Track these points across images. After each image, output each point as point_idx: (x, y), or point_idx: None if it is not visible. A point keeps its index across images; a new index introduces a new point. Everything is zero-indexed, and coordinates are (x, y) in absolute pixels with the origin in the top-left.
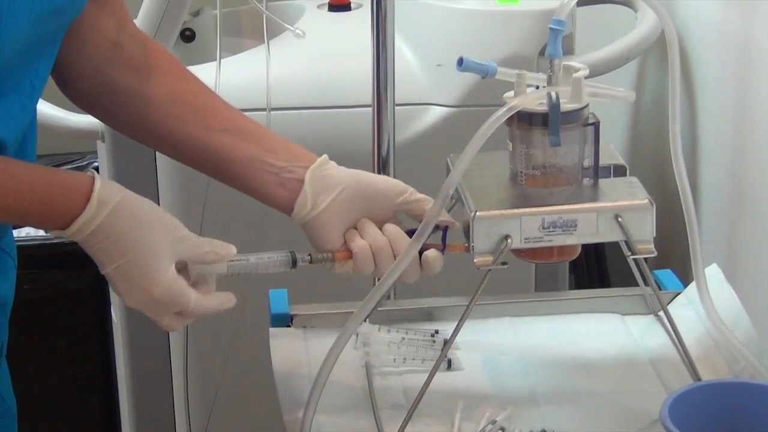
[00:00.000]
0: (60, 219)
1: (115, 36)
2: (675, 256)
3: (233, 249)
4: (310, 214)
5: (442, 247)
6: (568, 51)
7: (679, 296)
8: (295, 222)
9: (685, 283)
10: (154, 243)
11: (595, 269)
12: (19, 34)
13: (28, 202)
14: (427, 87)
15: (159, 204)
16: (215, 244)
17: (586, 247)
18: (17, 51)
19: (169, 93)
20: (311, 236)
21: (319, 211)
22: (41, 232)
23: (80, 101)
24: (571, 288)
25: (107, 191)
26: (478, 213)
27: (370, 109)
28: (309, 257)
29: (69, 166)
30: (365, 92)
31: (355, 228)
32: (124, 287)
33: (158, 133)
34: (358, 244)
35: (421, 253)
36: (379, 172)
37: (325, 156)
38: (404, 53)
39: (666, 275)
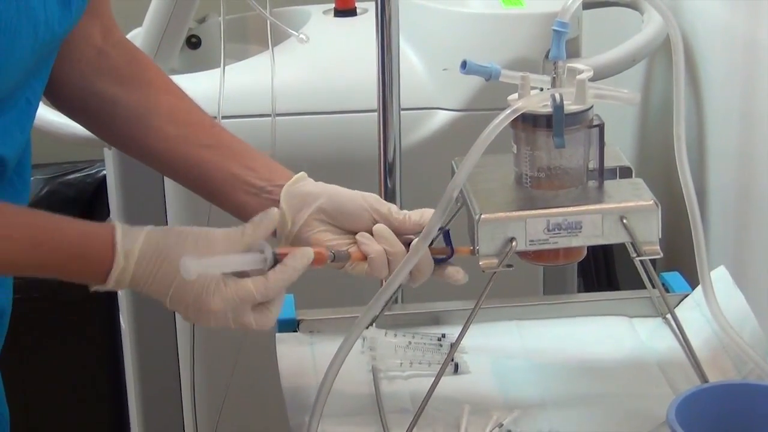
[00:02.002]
0: (96, 275)
1: (101, 44)
2: (684, 258)
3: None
4: (292, 231)
5: (450, 251)
6: (574, 54)
7: (687, 298)
8: (281, 243)
9: (694, 285)
10: (178, 288)
11: (604, 272)
12: (22, 64)
13: (67, 258)
14: (432, 91)
15: (166, 210)
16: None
17: (594, 250)
18: (17, 77)
19: (153, 106)
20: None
21: (300, 227)
22: None
23: (65, 108)
24: (579, 291)
25: (129, 240)
26: (482, 216)
27: (376, 114)
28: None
29: (77, 174)
30: (371, 97)
31: (369, 232)
32: (187, 314)
33: (141, 145)
34: (375, 248)
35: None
36: (385, 178)
37: (302, 173)
38: (410, 57)
39: (674, 277)
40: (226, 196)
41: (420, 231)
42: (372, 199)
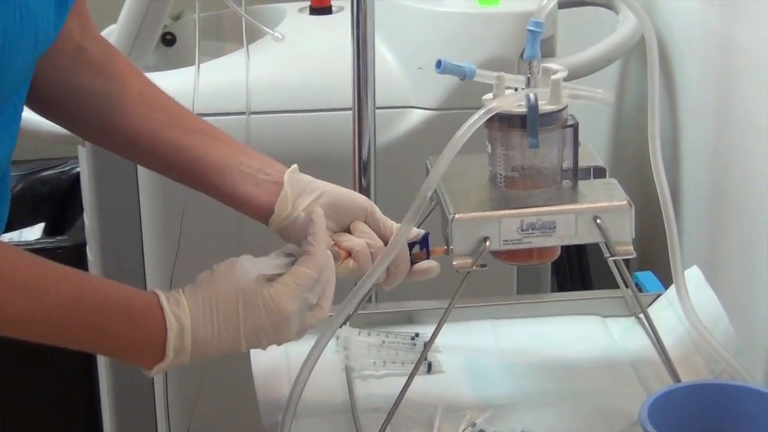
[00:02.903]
0: (144, 335)
1: (79, 38)
2: (658, 258)
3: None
4: (291, 215)
5: (426, 254)
6: (549, 53)
7: (660, 298)
8: (273, 226)
9: (668, 284)
10: (246, 314)
11: (577, 271)
12: (22, 72)
13: (111, 315)
14: (407, 90)
15: (139, 208)
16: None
17: (568, 250)
18: (14, 85)
19: (137, 94)
20: (293, 240)
21: (299, 212)
22: (25, 238)
23: (38, 105)
24: (553, 290)
25: (172, 298)
26: (456, 215)
27: (351, 112)
28: None
29: (51, 171)
30: (346, 95)
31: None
32: (265, 331)
33: (126, 134)
34: (358, 242)
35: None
36: (360, 176)
37: (295, 165)
38: (385, 56)
39: (647, 277)
40: (220, 180)
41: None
42: (370, 203)
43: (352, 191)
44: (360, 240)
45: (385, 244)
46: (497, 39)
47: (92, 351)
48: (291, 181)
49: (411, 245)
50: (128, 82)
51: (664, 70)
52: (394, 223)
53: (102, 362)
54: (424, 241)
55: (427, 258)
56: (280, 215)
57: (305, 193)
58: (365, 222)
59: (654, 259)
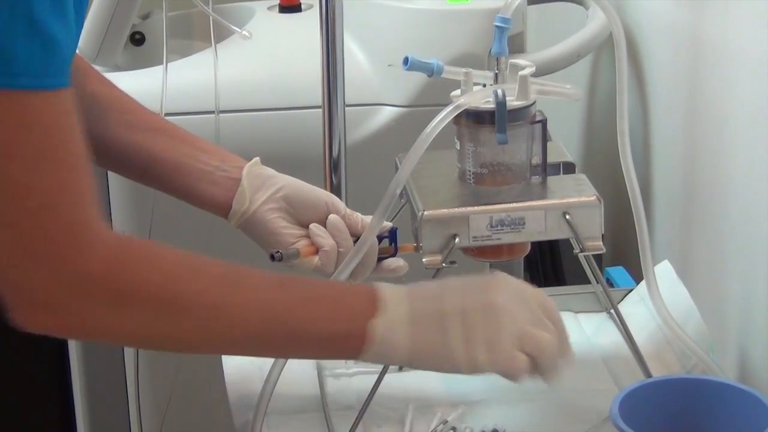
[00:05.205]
0: (355, 319)
1: None
2: (630, 253)
3: None
4: (249, 209)
5: (394, 250)
6: (519, 49)
7: (631, 293)
8: (232, 222)
9: (639, 280)
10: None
11: (550, 267)
12: None
13: (317, 299)
14: (377, 87)
15: (110, 206)
16: None
17: (540, 245)
18: None
19: (91, 94)
20: (254, 234)
21: (257, 206)
22: None
23: None
24: None
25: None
26: (425, 212)
27: (321, 110)
28: (280, 254)
29: None
30: (315, 93)
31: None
32: (484, 335)
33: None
34: (329, 242)
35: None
36: (330, 174)
37: (257, 158)
38: (355, 53)
39: (618, 272)
40: (179, 177)
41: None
42: (332, 197)
43: (313, 186)
44: (331, 241)
45: (353, 236)
46: (467, 36)
47: (299, 339)
48: (249, 176)
49: (379, 239)
50: (81, 81)
51: (633, 67)
52: (360, 214)
53: (75, 361)
54: (392, 236)
55: (395, 253)
56: (238, 211)
57: (264, 188)
58: (324, 214)
59: (626, 255)
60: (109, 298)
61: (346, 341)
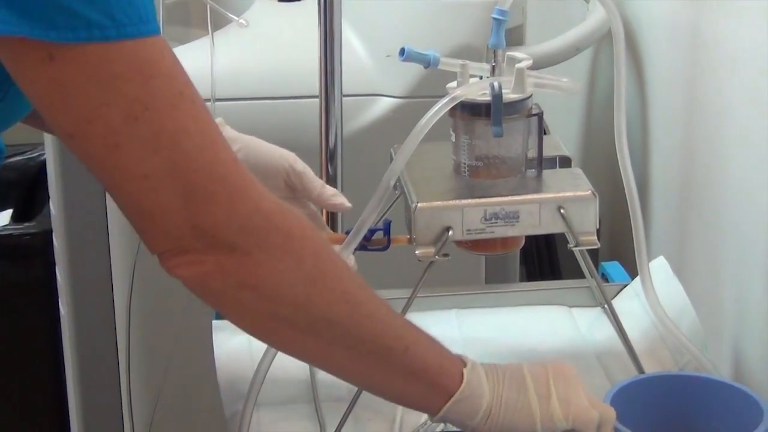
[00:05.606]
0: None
1: None
2: (627, 248)
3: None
4: None
5: (387, 242)
6: (518, 42)
7: (626, 288)
8: None
9: (635, 275)
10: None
11: (546, 261)
12: None
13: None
14: (375, 78)
15: (105, 196)
16: None
17: (536, 239)
18: None
19: None
20: None
21: None
22: None
23: None
24: (522, 280)
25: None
26: (419, 204)
27: (318, 100)
28: None
29: (19, 157)
30: (313, 83)
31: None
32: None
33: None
34: None
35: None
36: (327, 164)
37: (220, 119)
38: (353, 43)
39: (613, 267)
40: None
41: (330, 209)
42: (290, 158)
43: (272, 147)
44: None
45: (304, 198)
46: (466, 27)
47: (400, 366)
48: None
49: (372, 231)
50: None
51: (633, 62)
52: (321, 182)
53: (68, 350)
54: (386, 229)
55: (388, 245)
56: None
57: None
58: (288, 180)
59: (622, 250)
60: (284, 237)
61: (441, 380)
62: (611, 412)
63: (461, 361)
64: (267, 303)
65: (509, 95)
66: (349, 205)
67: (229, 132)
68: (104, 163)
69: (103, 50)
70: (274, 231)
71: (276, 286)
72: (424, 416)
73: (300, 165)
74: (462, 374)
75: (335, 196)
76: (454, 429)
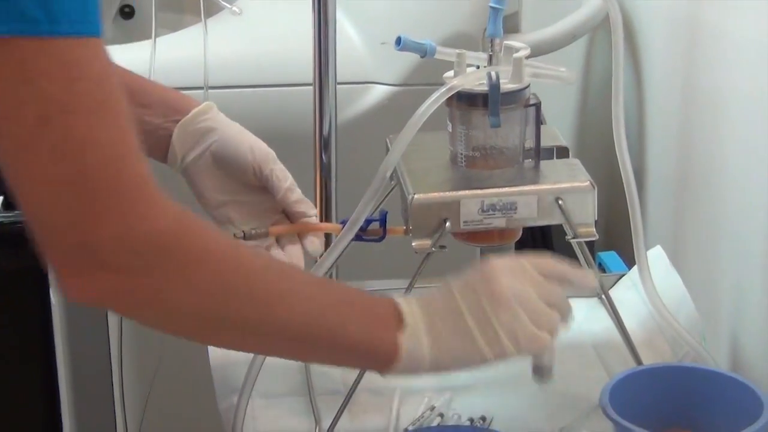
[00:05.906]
0: (383, 332)
1: None
2: (623, 238)
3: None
4: (181, 167)
5: (383, 233)
6: (514, 29)
7: (623, 278)
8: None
9: (632, 265)
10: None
11: (542, 250)
12: None
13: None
14: (370, 65)
15: None
16: None
17: (532, 230)
18: None
19: None
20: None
21: (186, 164)
22: None
23: None
24: None
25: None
26: (415, 195)
27: (312, 87)
28: (242, 233)
29: None
30: (307, 70)
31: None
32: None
33: None
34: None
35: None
36: (321, 153)
37: (206, 104)
38: (347, 31)
39: (610, 257)
40: None
41: (297, 215)
42: (260, 155)
43: (244, 141)
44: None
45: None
46: (462, 15)
47: (329, 348)
48: (180, 134)
49: (369, 221)
50: None
51: (629, 49)
52: (288, 184)
53: (59, 340)
54: (382, 219)
55: (384, 235)
56: (172, 166)
57: (197, 146)
58: (254, 177)
59: (619, 240)
60: (181, 258)
61: (376, 353)
62: (567, 307)
63: (396, 319)
64: (169, 320)
65: (507, 85)
66: (314, 211)
67: (214, 120)
68: (13, 163)
69: (33, 45)
70: (169, 252)
71: (175, 305)
72: (422, 408)
73: (268, 168)
74: (397, 343)
75: (298, 203)
76: (451, 423)
